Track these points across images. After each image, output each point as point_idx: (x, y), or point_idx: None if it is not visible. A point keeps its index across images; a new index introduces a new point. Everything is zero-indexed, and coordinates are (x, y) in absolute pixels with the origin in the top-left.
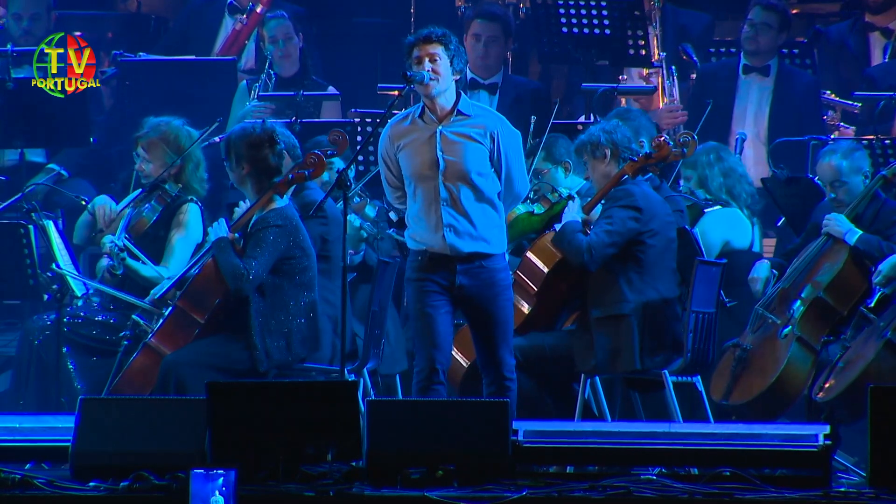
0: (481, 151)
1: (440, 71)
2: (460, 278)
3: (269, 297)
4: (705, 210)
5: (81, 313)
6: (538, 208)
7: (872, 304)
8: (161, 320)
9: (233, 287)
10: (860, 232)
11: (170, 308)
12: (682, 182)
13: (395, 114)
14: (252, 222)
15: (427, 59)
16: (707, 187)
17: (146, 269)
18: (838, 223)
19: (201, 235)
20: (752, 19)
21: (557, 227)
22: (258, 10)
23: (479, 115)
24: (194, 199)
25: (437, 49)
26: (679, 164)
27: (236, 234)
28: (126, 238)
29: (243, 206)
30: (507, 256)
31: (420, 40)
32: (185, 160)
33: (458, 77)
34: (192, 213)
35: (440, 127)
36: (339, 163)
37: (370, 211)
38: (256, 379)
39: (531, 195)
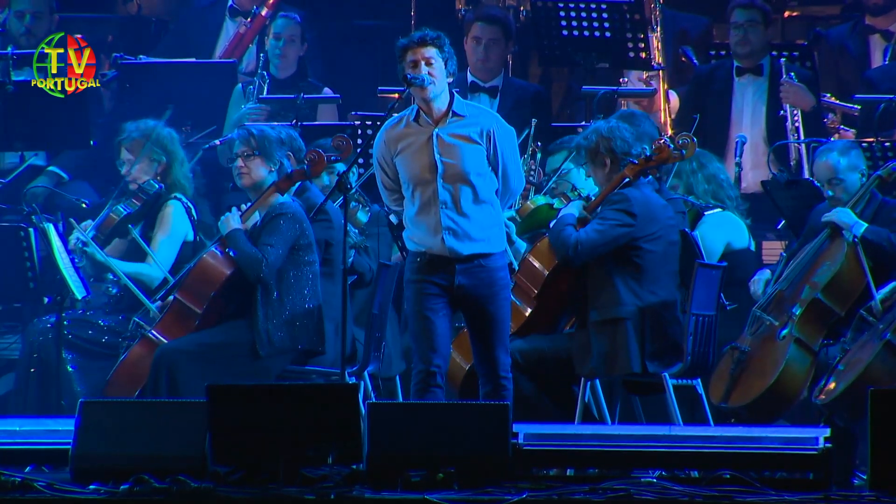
0: (478, 151)
1: (436, 74)
2: (459, 278)
3: (272, 285)
4: (704, 213)
5: (81, 312)
6: (558, 203)
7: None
8: (161, 314)
9: (252, 276)
10: (866, 224)
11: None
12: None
13: (394, 116)
14: (262, 215)
15: (423, 63)
16: (695, 194)
17: (123, 265)
18: (844, 216)
19: (186, 233)
20: (736, 21)
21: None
22: (263, 13)
23: (474, 115)
24: (179, 196)
25: (432, 52)
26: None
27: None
28: (94, 236)
29: (245, 207)
30: (509, 252)
31: (414, 43)
32: (170, 158)
33: (451, 79)
34: (175, 211)
35: (436, 129)
36: (340, 166)
37: (362, 216)
38: (256, 381)
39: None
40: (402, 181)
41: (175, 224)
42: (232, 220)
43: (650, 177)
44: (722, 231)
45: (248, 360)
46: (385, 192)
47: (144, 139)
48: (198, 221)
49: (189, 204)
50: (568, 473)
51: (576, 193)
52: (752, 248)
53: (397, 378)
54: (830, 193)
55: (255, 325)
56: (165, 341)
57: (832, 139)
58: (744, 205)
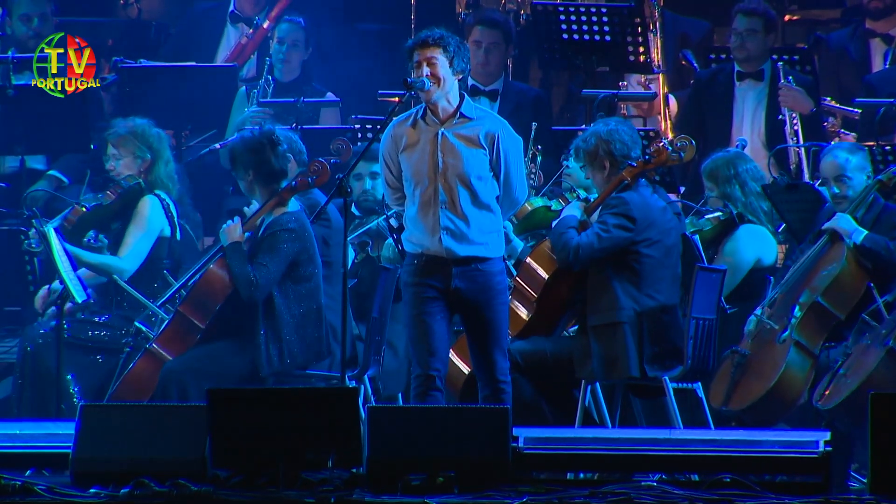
0: (481, 155)
1: (439, 74)
2: (456, 281)
3: (275, 304)
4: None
5: (81, 315)
6: (556, 204)
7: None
8: (163, 326)
9: (244, 295)
10: (866, 231)
11: (171, 313)
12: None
13: (404, 114)
14: (264, 225)
15: (425, 64)
16: (733, 204)
17: (90, 255)
18: (844, 223)
19: (162, 228)
20: (736, 28)
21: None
22: (265, 25)
23: (482, 119)
24: (158, 192)
25: (435, 53)
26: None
27: (246, 234)
28: (56, 227)
29: (249, 209)
30: (515, 247)
31: (417, 44)
32: (155, 155)
33: (461, 77)
34: (151, 206)
35: (442, 129)
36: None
37: None
38: (257, 385)
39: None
40: (405, 178)
41: (150, 219)
42: (233, 232)
43: (643, 180)
44: (756, 245)
45: (254, 381)
46: (388, 189)
47: (131, 135)
48: (179, 218)
49: (168, 200)
50: (568, 477)
51: (574, 194)
52: (777, 266)
53: (399, 395)
54: (836, 191)
55: (255, 346)
56: (168, 356)
57: (832, 143)
58: (780, 224)
